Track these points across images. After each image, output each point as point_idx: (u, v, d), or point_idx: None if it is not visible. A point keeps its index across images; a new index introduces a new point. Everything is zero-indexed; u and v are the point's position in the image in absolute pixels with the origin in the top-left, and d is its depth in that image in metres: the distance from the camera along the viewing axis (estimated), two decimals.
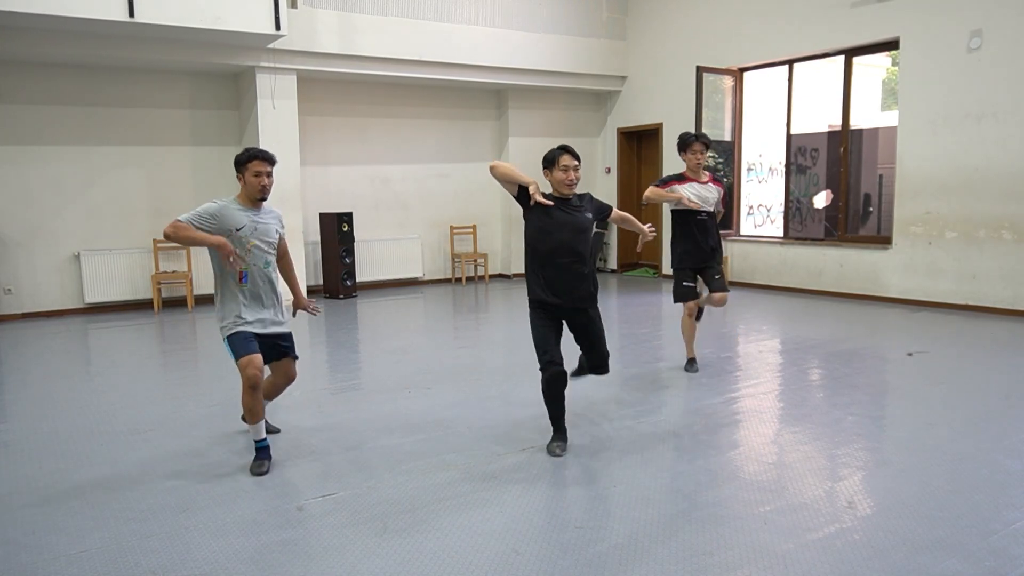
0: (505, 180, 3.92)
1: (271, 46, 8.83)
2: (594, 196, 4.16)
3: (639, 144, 12.24)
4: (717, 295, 5.54)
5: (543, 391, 3.95)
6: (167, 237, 3.71)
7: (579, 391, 5.13)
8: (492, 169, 3.95)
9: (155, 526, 3.19)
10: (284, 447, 4.23)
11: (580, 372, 4.42)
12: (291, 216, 9.34)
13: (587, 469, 3.77)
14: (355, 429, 4.49)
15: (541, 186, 3.98)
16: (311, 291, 10.10)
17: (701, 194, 5.50)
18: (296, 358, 4.16)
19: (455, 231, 11.42)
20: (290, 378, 4.17)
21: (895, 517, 3.15)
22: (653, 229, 4.79)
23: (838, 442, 4.11)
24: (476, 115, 11.65)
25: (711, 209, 5.56)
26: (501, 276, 12.03)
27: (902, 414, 4.67)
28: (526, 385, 5.40)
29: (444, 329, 8.18)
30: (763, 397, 5.06)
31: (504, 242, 11.99)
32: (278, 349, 4.06)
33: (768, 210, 10.79)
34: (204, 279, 9.60)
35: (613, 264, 12.51)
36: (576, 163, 3.93)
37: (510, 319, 8.76)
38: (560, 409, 4.00)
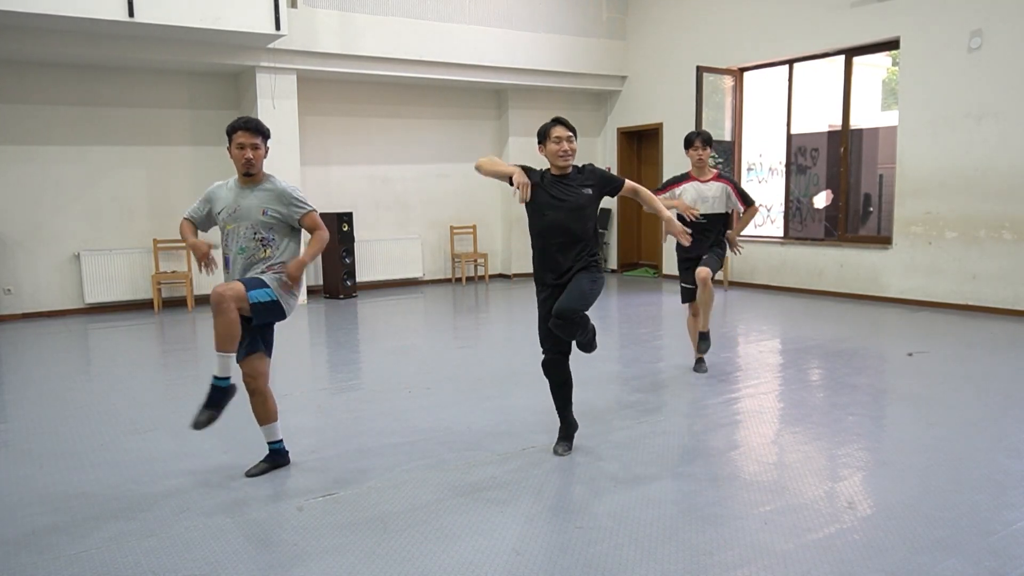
0: (491, 175, 3.88)
1: (271, 46, 8.83)
2: (597, 166, 3.98)
3: (639, 144, 12.24)
4: (700, 268, 5.38)
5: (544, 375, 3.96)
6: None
7: (580, 392, 5.12)
8: (478, 168, 3.87)
9: (155, 526, 3.19)
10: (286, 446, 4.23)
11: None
12: None
13: (587, 469, 3.77)
14: (355, 429, 4.48)
15: (538, 162, 3.94)
16: (311, 290, 10.10)
17: (702, 193, 5.49)
18: (261, 351, 3.60)
19: (455, 231, 11.42)
20: (252, 375, 3.57)
21: (895, 517, 3.15)
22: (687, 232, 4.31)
23: (838, 442, 4.11)
24: (476, 115, 11.65)
25: (719, 211, 5.48)
26: (501, 276, 12.03)
27: (902, 414, 4.67)
28: (526, 385, 5.39)
29: (444, 329, 8.18)
30: (763, 397, 5.05)
31: (504, 242, 11.99)
32: (251, 339, 3.56)
33: (768, 210, 10.79)
34: (204, 279, 9.60)
35: (613, 264, 12.51)
36: (569, 134, 3.79)
37: (510, 319, 8.76)
38: (561, 401, 3.99)
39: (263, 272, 3.56)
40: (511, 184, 3.82)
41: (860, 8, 8.68)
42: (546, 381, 4.02)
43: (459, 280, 11.46)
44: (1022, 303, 7.58)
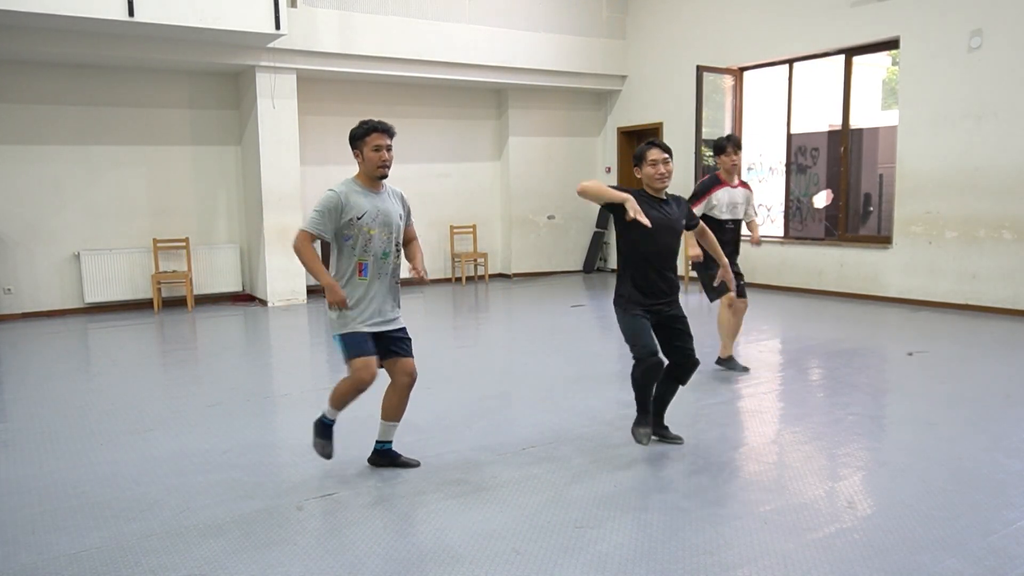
0: (596, 200, 3.85)
1: (271, 45, 8.83)
2: (684, 201, 4.13)
3: (639, 143, 12.17)
4: (740, 301, 5.62)
5: (636, 379, 3.88)
6: (296, 252, 3.55)
7: (580, 391, 5.13)
8: (582, 192, 3.82)
9: (155, 526, 3.19)
10: (284, 447, 4.23)
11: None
12: (291, 216, 9.34)
13: (587, 469, 3.77)
14: (355, 429, 4.47)
15: (632, 183, 3.96)
16: (310, 290, 10.09)
17: (734, 199, 5.53)
18: (412, 356, 3.73)
19: (455, 231, 11.42)
20: (412, 376, 3.70)
21: (895, 517, 3.15)
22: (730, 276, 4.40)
23: (838, 442, 4.11)
24: (476, 115, 11.65)
25: (739, 217, 5.55)
26: (501, 276, 12.02)
27: (902, 414, 4.67)
28: (526, 385, 5.40)
29: (444, 329, 8.18)
30: (763, 397, 5.05)
31: (504, 242, 11.99)
32: (394, 348, 3.66)
33: (768, 210, 10.79)
34: (204, 279, 9.61)
35: (613, 264, 12.51)
36: (665, 156, 3.89)
37: (510, 319, 8.76)
38: (649, 395, 3.95)
39: (398, 307, 3.69)
40: (611, 209, 3.82)
41: (860, 8, 8.67)
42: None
43: (459, 280, 11.46)
44: (1022, 303, 7.57)
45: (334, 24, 9.29)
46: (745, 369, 5.64)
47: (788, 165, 10.03)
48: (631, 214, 3.67)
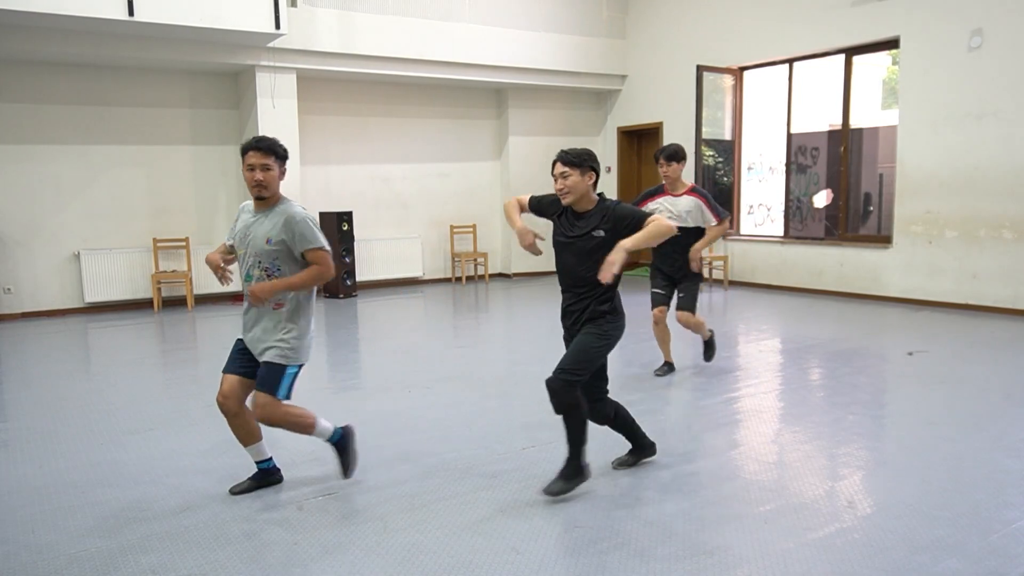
0: (507, 219, 3.68)
1: (271, 45, 8.83)
2: (623, 204, 3.49)
3: (639, 143, 12.23)
4: (678, 312, 5.54)
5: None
6: None
7: None
8: (504, 207, 3.71)
9: (155, 526, 3.19)
10: (285, 447, 4.23)
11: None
12: None
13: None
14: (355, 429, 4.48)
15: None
16: None
17: (674, 207, 5.50)
18: (266, 391, 3.30)
19: (455, 230, 11.42)
20: (256, 411, 3.33)
21: (895, 516, 3.15)
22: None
23: (838, 442, 4.11)
24: (476, 114, 11.65)
25: (687, 224, 5.41)
26: (501, 275, 12.02)
27: (902, 414, 4.67)
28: (526, 384, 5.39)
29: (444, 329, 8.18)
30: (763, 397, 5.06)
31: (504, 241, 11.98)
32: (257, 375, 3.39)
33: (768, 209, 10.79)
34: (204, 278, 9.60)
35: None
36: (564, 169, 3.33)
37: (510, 318, 8.76)
38: (622, 430, 3.76)
39: (275, 331, 3.37)
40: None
41: (860, 7, 8.67)
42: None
43: (459, 279, 11.46)
44: (1022, 302, 7.57)
45: (334, 24, 9.29)
46: (663, 373, 5.61)
47: (788, 165, 10.03)
48: (524, 246, 3.50)
